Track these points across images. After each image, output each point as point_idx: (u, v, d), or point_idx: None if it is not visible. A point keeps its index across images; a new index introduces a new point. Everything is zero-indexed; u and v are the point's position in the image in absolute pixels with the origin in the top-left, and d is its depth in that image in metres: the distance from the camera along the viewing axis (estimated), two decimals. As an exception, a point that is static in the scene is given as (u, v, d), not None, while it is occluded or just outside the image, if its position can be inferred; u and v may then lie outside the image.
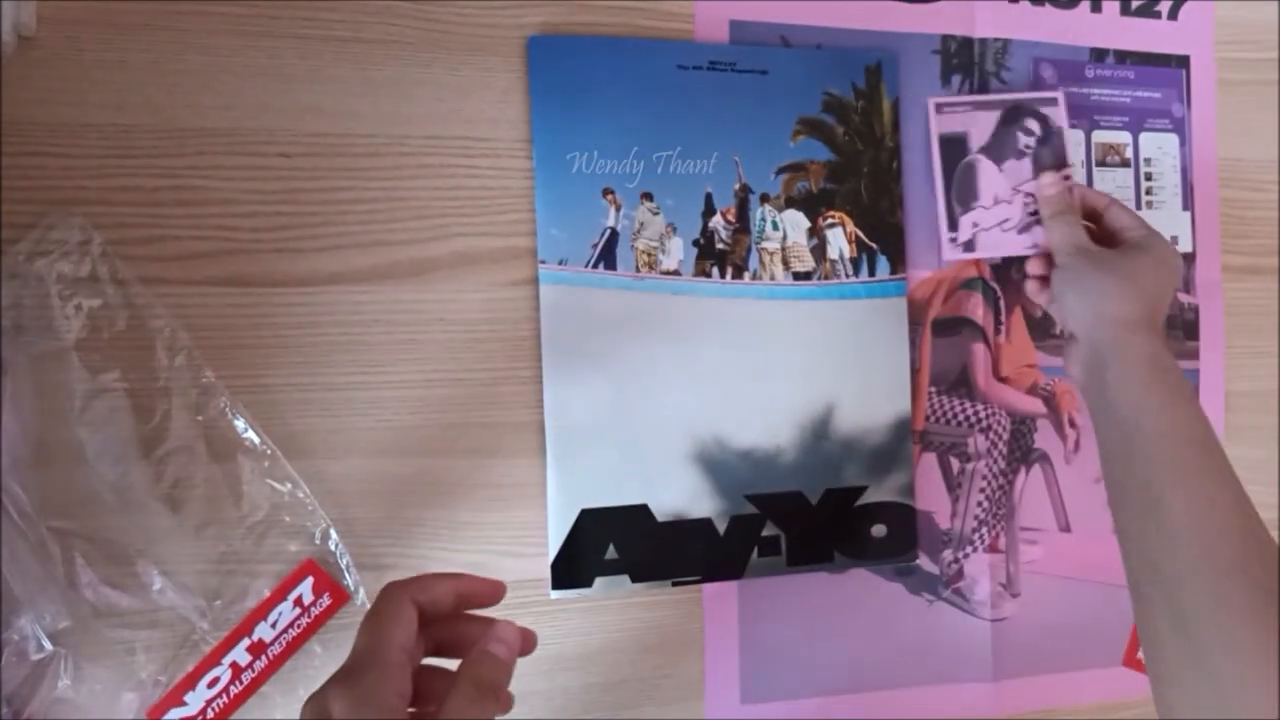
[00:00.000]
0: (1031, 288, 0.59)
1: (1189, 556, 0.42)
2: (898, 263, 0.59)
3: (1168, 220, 0.65)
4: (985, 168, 0.60)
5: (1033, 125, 0.60)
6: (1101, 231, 0.57)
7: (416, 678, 0.36)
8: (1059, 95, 0.60)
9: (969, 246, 0.60)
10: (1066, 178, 0.58)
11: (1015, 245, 0.59)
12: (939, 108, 0.60)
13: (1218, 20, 0.66)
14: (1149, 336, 0.50)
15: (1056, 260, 0.56)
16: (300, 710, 0.34)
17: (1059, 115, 0.60)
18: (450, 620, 0.39)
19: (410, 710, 0.35)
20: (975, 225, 0.60)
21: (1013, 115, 0.60)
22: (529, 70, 0.53)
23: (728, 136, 0.56)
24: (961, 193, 0.60)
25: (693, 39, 0.56)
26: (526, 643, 0.38)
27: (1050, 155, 0.60)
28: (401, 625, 0.36)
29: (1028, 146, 0.60)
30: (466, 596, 0.39)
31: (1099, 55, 0.64)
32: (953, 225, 0.60)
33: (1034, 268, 0.59)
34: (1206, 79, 0.66)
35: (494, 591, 0.40)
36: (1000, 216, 0.59)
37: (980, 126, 0.60)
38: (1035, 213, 0.59)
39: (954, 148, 0.60)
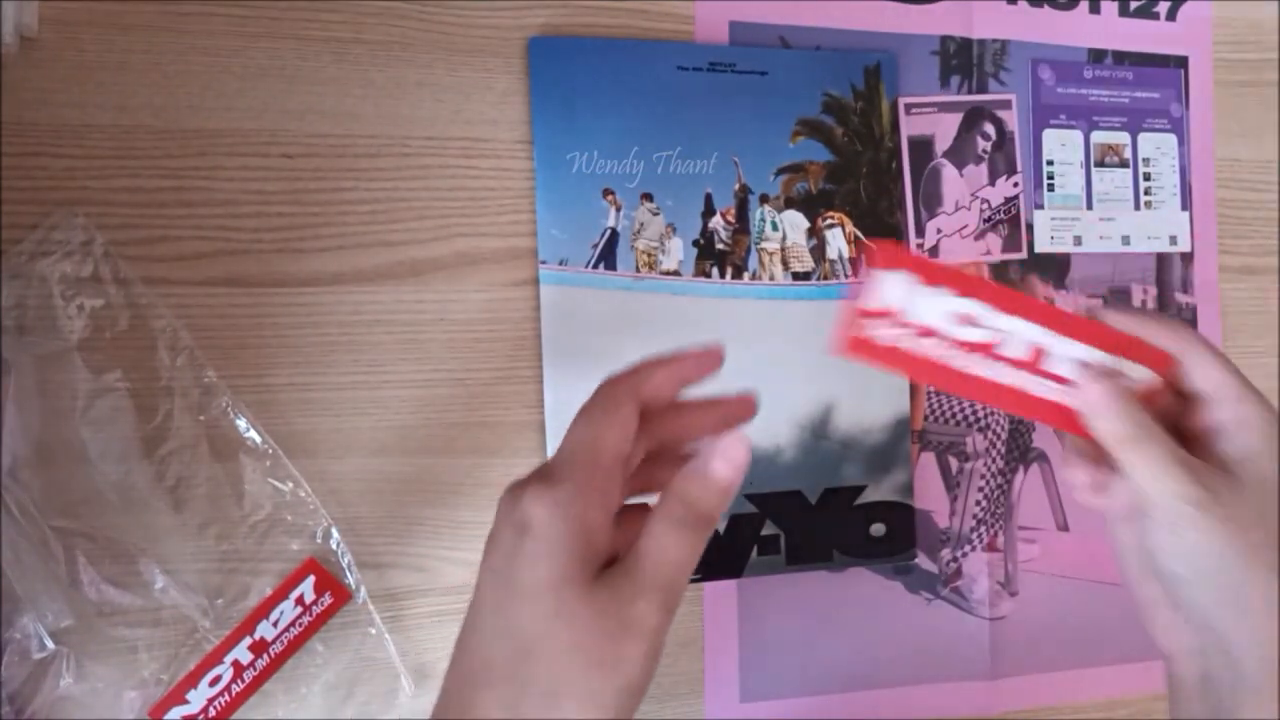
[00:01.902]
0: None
1: None
2: (897, 263, 0.59)
3: (1166, 220, 0.65)
4: (948, 173, 0.60)
5: (989, 129, 0.61)
6: (1170, 396, 0.36)
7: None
8: (1013, 98, 0.60)
9: (933, 253, 0.60)
10: (1015, 185, 0.58)
11: (971, 252, 0.59)
12: (908, 109, 0.60)
13: (1216, 21, 0.66)
14: None
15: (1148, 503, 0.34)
16: (499, 500, 0.31)
17: (1012, 118, 0.60)
18: (673, 410, 0.33)
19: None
20: (939, 232, 0.60)
21: (973, 117, 0.60)
22: (529, 71, 0.54)
23: (727, 137, 0.56)
24: (927, 198, 0.60)
25: (693, 40, 0.57)
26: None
27: (1004, 161, 0.59)
28: (617, 427, 0.31)
29: (985, 151, 0.60)
30: (686, 378, 0.33)
31: (1097, 56, 0.64)
32: (919, 231, 0.60)
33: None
34: (1205, 79, 0.66)
35: (713, 360, 0.34)
36: (960, 223, 0.59)
37: (944, 129, 0.60)
38: (989, 219, 0.59)
39: (921, 151, 0.60)
